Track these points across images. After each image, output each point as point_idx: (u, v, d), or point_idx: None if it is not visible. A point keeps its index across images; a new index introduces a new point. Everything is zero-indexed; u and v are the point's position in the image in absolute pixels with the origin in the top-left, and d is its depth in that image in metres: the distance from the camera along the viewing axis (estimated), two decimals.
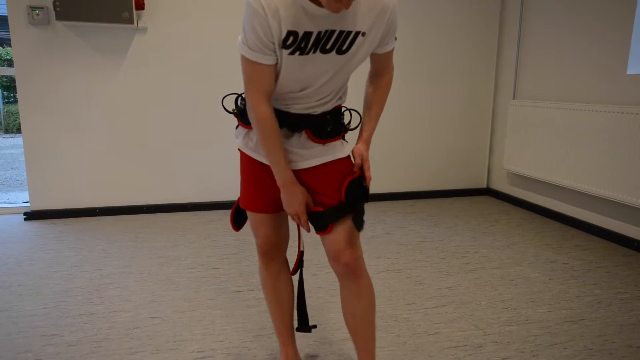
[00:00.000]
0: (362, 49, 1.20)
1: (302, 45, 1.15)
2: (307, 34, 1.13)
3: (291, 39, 1.13)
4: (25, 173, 4.44)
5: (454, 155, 4.01)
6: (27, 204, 3.46)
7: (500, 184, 3.97)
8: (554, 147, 3.24)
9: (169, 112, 3.42)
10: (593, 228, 3.04)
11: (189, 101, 3.43)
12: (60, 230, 3.07)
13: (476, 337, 1.83)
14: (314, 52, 1.16)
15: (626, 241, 2.82)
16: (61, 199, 3.35)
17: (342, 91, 1.33)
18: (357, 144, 1.36)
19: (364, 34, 1.17)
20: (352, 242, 1.31)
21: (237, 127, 1.39)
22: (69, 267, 2.47)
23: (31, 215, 3.31)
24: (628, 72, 2.79)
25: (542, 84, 3.44)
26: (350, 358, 1.69)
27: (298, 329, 1.55)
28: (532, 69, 3.52)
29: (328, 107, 1.29)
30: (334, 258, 1.32)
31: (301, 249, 1.44)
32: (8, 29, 3.11)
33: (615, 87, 2.87)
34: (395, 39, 1.28)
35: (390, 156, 3.88)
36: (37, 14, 3.06)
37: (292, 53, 1.15)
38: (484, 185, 4.13)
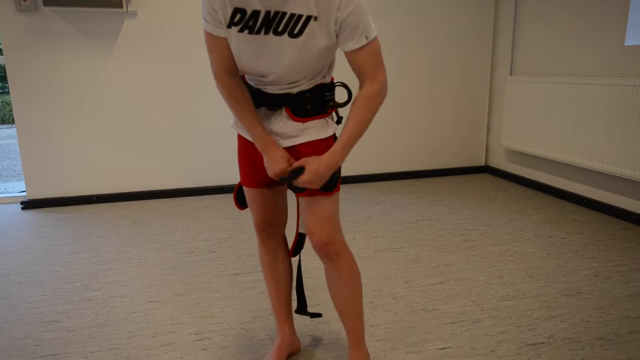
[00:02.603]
0: (318, 35, 1.15)
1: (251, 23, 1.14)
2: (255, 13, 1.13)
3: (238, 16, 1.14)
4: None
5: (451, 134, 3.98)
6: (24, 193, 3.46)
7: (499, 161, 3.96)
8: (552, 122, 3.21)
9: (164, 96, 3.39)
10: (591, 202, 3.04)
11: (184, 85, 3.40)
12: (57, 219, 3.07)
13: (473, 313, 1.83)
14: (266, 32, 1.15)
15: (624, 214, 2.82)
16: (58, 187, 3.34)
17: (323, 71, 1.27)
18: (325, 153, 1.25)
19: (315, 18, 1.13)
20: (323, 225, 1.30)
21: None
22: (67, 255, 2.47)
23: (28, 204, 3.30)
24: (626, 44, 2.75)
25: (539, 59, 3.39)
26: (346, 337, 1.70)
27: (297, 311, 1.55)
28: (529, 45, 3.48)
29: (305, 87, 1.26)
30: (309, 238, 1.35)
31: (300, 231, 1.43)
32: None
33: (614, 59, 2.83)
34: (367, 38, 1.16)
35: (388, 136, 3.85)
36: (24, 0, 3.00)
37: (241, 30, 1.15)
38: (482, 163, 4.11)
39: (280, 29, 1.14)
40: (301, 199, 1.34)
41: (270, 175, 1.29)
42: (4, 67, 3.16)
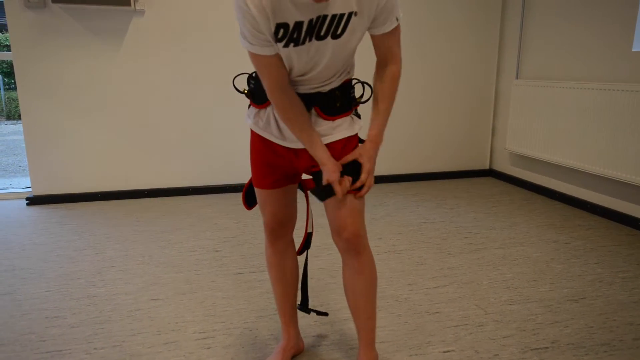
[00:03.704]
0: (358, 28, 1.17)
1: (295, 36, 1.13)
2: (299, 24, 1.11)
3: (282, 31, 1.11)
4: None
5: (456, 137, 3.98)
6: (29, 189, 3.47)
7: (503, 165, 3.95)
8: (557, 127, 3.20)
9: (170, 95, 3.39)
10: (596, 208, 3.03)
11: (190, 84, 3.41)
12: (62, 215, 3.08)
13: (477, 316, 1.83)
14: (309, 40, 1.14)
15: (629, 220, 2.81)
16: (63, 184, 3.35)
17: (349, 66, 1.30)
18: (364, 142, 1.30)
19: (356, 14, 1.13)
20: (355, 218, 1.31)
21: (249, 106, 1.38)
22: (71, 251, 2.48)
23: (33, 200, 3.31)
24: (634, 49, 2.74)
25: (545, 63, 3.39)
26: (350, 338, 1.70)
27: (299, 307, 1.55)
28: (536, 49, 3.47)
29: (335, 84, 1.27)
30: (336, 232, 1.33)
31: (309, 231, 1.43)
32: (4, 14, 3.08)
33: (621, 65, 2.83)
34: (397, 20, 1.20)
35: (392, 138, 3.85)
36: None
37: (286, 45, 1.14)
38: (487, 167, 4.10)
39: (322, 33, 1.14)
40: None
41: (330, 181, 1.27)
42: (12, 63, 3.17)
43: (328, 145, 1.30)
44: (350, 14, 1.12)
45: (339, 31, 1.14)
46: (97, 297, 2.00)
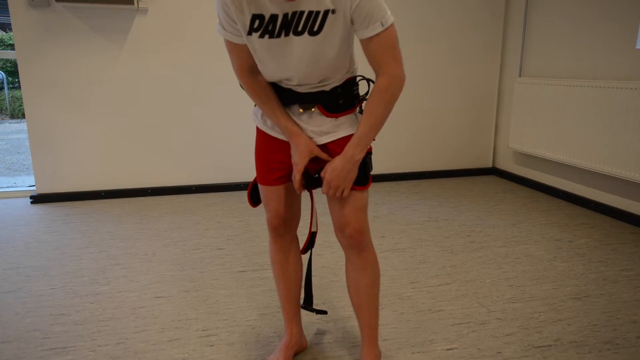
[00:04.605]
0: (336, 27, 1.15)
1: (270, 28, 1.14)
2: (273, 17, 1.13)
3: (257, 22, 1.14)
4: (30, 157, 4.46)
5: (459, 135, 3.97)
6: (34, 188, 3.49)
7: (506, 163, 3.94)
8: (560, 125, 3.19)
9: (173, 94, 3.40)
10: (600, 206, 3.02)
11: (193, 83, 3.41)
12: (66, 213, 3.09)
13: (480, 314, 1.83)
14: (286, 34, 1.15)
15: (633, 219, 2.80)
16: (67, 182, 3.37)
17: (348, 66, 1.28)
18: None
19: (333, 11, 1.12)
20: (358, 215, 1.31)
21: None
22: (75, 249, 2.49)
23: (37, 199, 3.33)
24: (638, 47, 2.73)
25: (548, 61, 3.38)
26: (353, 335, 1.70)
27: (303, 306, 1.55)
28: (539, 46, 3.46)
29: (336, 83, 1.27)
30: (339, 229, 1.34)
31: (313, 230, 1.44)
32: (8, 13, 3.09)
33: (624, 63, 2.82)
34: (383, 25, 1.13)
35: (395, 136, 3.85)
36: None
37: (261, 36, 1.16)
38: (490, 165, 4.09)
39: (299, 28, 1.14)
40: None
41: (292, 161, 1.30)
42: (16, 62, 3.18)
43: (332, 143, 1.31)
44: (326, 12, 1.12)
45: (316, 28, 1.14)
46: (101, 294, 2.01)
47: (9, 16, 3.05)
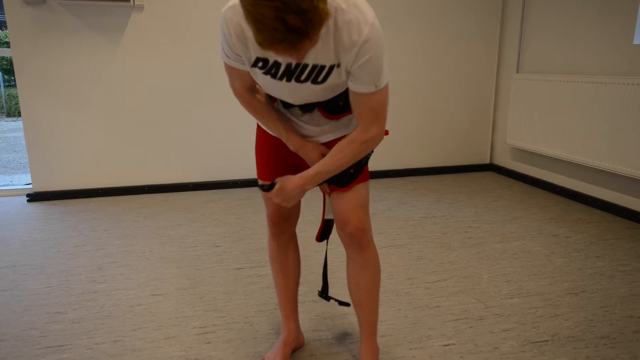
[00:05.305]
0: (341, 76, 1.14)
1: (273, 71, 1.14)
2: (277, 63, 1.12)
3: (261, 63, 1.13)
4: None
5: (456, 131, 3.97)
6: (30, 186, 3.47)
7: (504, 160, 3.95)
8: (558, 121, 3.19)
9: (169, 91, 3.39)
10: (596, 201, 3.03)
11: (190, 80, 3.40)
12: (62, 211, 3.08)
13: (477, 310, 1.83)
14: (288, 80, 1.15)
15: (630, 214, 2.81)
16: (63, 180, 3.36)
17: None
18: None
19: (339, 65, 1.11)
20: (359, 212, 1.31)
21: None
22: (72, 247, 2.49)
23: (34, 197, 3.32)
24: (635, 42, 2.73)
25: (546, 57, 3.38)
26: (351, 332, 1.70)
27: (320, 294, 1.54)
28: (536, 42, 3.46)
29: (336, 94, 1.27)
30: (340, 227, 1.34)
31: (326, 218, 1.42)
32: (4, 10, 3.07)
33: (621, 58, 2.82)
34: (376, 87, 1.10)
35: (393, 133, 3.85)
36: None
37: (265, 73, 1.16)
38: (487, 161, 4.10)
39: (302, 78, 1.13)
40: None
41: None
42: (11, 59, 3.16)
43: (332, 142, 1.31)
44: (332, 67, 1.11)
45: (320, 79, 1.14)
46: (98, 292, 2.00)
47: (4, 14, 3.03)
